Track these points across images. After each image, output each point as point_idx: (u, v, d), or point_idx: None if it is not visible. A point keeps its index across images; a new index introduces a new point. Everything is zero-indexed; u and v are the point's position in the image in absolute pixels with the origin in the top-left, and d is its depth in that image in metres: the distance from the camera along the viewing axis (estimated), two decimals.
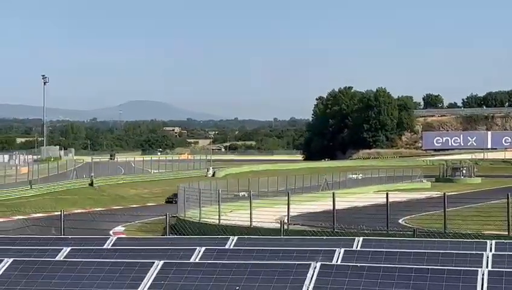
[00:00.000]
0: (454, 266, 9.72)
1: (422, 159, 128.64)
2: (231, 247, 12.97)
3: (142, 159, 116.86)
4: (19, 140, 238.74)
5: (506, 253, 11.27)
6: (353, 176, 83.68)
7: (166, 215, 37.15)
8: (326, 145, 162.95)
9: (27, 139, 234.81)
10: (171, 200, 56.70)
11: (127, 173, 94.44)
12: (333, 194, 37.42)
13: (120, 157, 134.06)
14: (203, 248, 11.87)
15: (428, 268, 9.24)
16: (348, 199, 45.88)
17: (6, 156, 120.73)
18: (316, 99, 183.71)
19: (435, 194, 55.21)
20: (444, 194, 36.21)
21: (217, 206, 41.00)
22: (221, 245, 13.03)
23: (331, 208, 35.73)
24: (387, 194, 36.68)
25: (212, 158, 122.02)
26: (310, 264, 9.25)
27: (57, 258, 11.36)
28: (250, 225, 36.93)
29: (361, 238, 12.84)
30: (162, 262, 9.69)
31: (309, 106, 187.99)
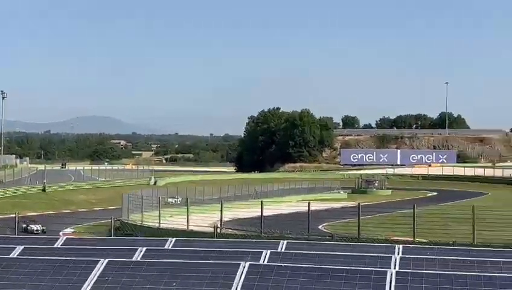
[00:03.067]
0: (366, 267, 9.79)
1: (340, 172, 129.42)
2: (169, 247, 12.90)
3: (90, 168, 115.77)
4: None
5: (412, 256, 11.40)
6: (279, 186, 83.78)
7: (111, 219, 36.98)
8: (256, 159, 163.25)
9: None
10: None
11: (77, 180, 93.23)
12: (261, 202, 37.53)
13: (71, 166, 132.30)
14: (144, 248, 11.78)
15: (344, 269, 9.29)
16: (274, 207, 45.88)
17: None
18: (248, 118, 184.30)
19: (350, 203, 55.60)
20: (359, 204, 36.50)
21: (158, 211, 40.77)
22: (161, 246, 12.96)
23: (259, 214, 35.83)
24: (309, 203, 36.86)
25: (154, 168, 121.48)
26: (240, 264, 9.24)
27: (10, 256, 11.19)
28: (187, 228, 36.82)
29: (285, 242, 12.87)
30: (106, 260, 9.60)
31: (241, 124, 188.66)
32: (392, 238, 29.71)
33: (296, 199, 66.95)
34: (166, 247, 12.91)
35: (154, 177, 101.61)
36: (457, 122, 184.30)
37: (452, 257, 11.56)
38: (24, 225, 40.90)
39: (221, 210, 37.57)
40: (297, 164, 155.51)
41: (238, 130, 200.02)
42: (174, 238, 13.64)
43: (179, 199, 54.44)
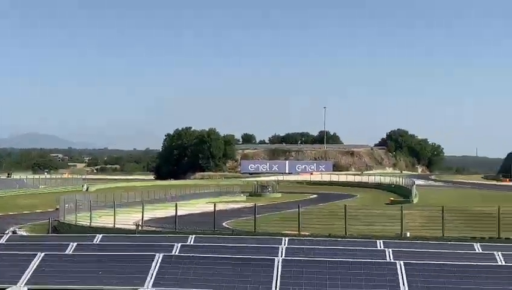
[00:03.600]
0: (260, 256, 9.84)
1: (240, 179, 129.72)
2: (97, 242, 12.66)
3: (32, 177, 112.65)
4: None
5: (296, 246, 11.52)
6: (191, 191, 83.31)
7: (49, 219, 36.05)
8: (172, 169, 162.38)
9: None
10: None
11: (21, 187, 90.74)
12: (176, 204, 37.32)
13: (15, 176, 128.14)
14: (75, 243, 11.53)
15: (241, 257, 9.32)
16: (187, 208, 45.68)
17: None
18: (165, 135, 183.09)
19: (248, 204, 55.80)
20: (255, 204, 36.74)
21: (89, 212, 39.94)
22: (90, 241, 12.71)
23: (174, 214, 35.58)
24: (214, 204, 36.93)
25: (87, 177, 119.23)
26: (155, 255, 9.15)
27: None
28: (114, 226, 36.15)
29: (193, 236, 12.81)
30: (43, 254, 9.37)
31: (160, 140, 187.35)
32: (282, 232, 29.93)
33: (204, 202, 66.66)
34: (94, 242, 12.67)
35: (87, 185, 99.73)
36: (333, 139, 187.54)
37: (327, 246, 11.72)
38: None
39: (142, 211, 37.16)
40: (206, 173, 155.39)
41: (157, 145, 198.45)
42: (101, 235, 13.41)
43: None
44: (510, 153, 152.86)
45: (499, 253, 10.47)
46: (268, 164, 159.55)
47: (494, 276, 8.49)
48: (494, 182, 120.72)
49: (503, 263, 9.86)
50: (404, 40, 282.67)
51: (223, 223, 39.44)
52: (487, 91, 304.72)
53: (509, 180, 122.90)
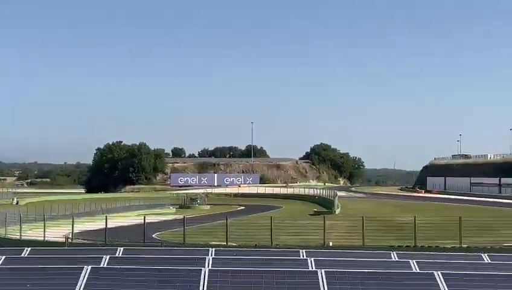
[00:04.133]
0: (187, 266, 9.77)
1: (170, 192, 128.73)
2: (25, 255, 12.30)
3: None
4: None
5: (222, 257, 11.48)
6: (121, 204, 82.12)
7: None
8: (102, 182, 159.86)
9: None
10: None
11: None
12: (106, 217, 36.69)
13: None
14: (4, 257, 11.15)
15: (170, 268, 9.24)
16: (117, 220, 44.97)
17: None
18: (96, 149, 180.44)
19: (178, 216, 55.44)
20: (184, 216, 36.53)
21: (19, 226, 38.79)
22: (18, 254, 12.33)
23: (105, 226, 34.99)
24: (144, 217, 36.47)
25: (17, 191, 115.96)
26: (84, 267, 8.96)
27: None
28: (44, 239, 35.21)
29: (122, 248, 12.59)
30: None
31: (91, 154, 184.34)
32: (209, 243, 29.82)
33: (134, 214, 65.73)
34: (22, 255, 12.30)
35: (17, 198, 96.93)
36: (260, 153, 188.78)
37: (253, 256, 11.75)
38: None
39: (72, 224, 36.33)
40: (136, 186, 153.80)
41: (88, 159, 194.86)
42: (30, 248, 13.02)
43: None
44: (425, 166, 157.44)
45: (414, 261, 10.74)
46: (197, 177, 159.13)
47: (408, 283, 8.72)
48: (410, 193, 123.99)
49: (418, 271, 10.12)
50: (322, 59, 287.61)
51: (153, 235, 39.00)
52: (405, 109, 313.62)
53: (425, 192, 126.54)
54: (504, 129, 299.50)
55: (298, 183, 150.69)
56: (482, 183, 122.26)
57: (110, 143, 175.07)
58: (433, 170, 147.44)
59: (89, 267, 8.93)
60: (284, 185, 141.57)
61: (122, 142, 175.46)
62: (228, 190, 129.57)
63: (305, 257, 11.42)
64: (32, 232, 38.48)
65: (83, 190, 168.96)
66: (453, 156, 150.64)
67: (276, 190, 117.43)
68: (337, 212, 63.25)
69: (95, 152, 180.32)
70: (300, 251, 12.67)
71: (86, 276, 8.70)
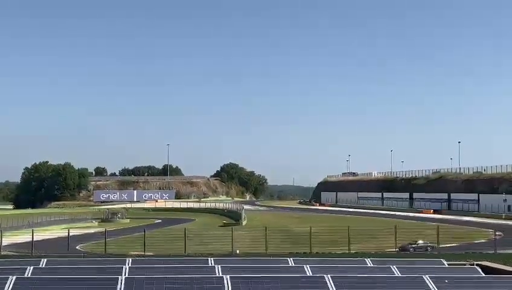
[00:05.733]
0: (105, 275, 9.51)
1: (93, 207, 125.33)
2: None
3: None
4: None
5: (139, 265, 11.29)
6: (47, 218, 79.15)
7: None
8: (30, 199, 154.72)
9: None
10: None
11: None
12: (32, 230, 35.28)
13: None
14: None
15: (89, 277, 9.01)
16: (43, 234, 43.37)
17: None
18: (23, 168, 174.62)
19: (100, 229, 54.10)
20: (105, 229, 35.68)
21: None
22: None
23: (31, 239, 33.64)
24: (68, 230, 35.40)
25: None
26: (8, 277, 8.58)
27: None
28: None
29: (45, 259, 12.14)
30: None
31: (19, 173, 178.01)
32: (130, 253, 29.25)
33: (60, 228, 63.68)
34: None
35: None
36: (175, 171, 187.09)
37: (167, 265, 11.61)
38: None
39: (0, 236, 34.68)
40: (61, 202, 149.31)
41: (16, 178, 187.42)
42: None
43: None
44: (319, 183, 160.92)
45: (308, 266, 10.95)
46: (118, 193, 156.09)
47: (302, 285, 8.93)
48: (307, 206, 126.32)
49: (311, 274, 10.32)
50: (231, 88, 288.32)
51: (76, 247, 37.93)
52: (303, 134, 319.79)
53: (319, 205, 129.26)
54: (386, 150, 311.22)
55: (210, 198, 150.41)
56: (367, 197, 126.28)
57: (37, 163, 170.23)
58: (326, 185, 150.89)
59: (14, 277, 8.56)
60: (197, 200, 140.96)
61: (48, 162, 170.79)
62: (146, 205, 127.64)
63: (213, 264, 11.40)
64: None
65: (11, 206, 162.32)
66: (343, 174, 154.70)
67: (190, 205, 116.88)
68: (244, 224, 63.59)
69: (22, 171, 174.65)
70: (209, 258, 12.65)
71: (11, 286, 8.34)
